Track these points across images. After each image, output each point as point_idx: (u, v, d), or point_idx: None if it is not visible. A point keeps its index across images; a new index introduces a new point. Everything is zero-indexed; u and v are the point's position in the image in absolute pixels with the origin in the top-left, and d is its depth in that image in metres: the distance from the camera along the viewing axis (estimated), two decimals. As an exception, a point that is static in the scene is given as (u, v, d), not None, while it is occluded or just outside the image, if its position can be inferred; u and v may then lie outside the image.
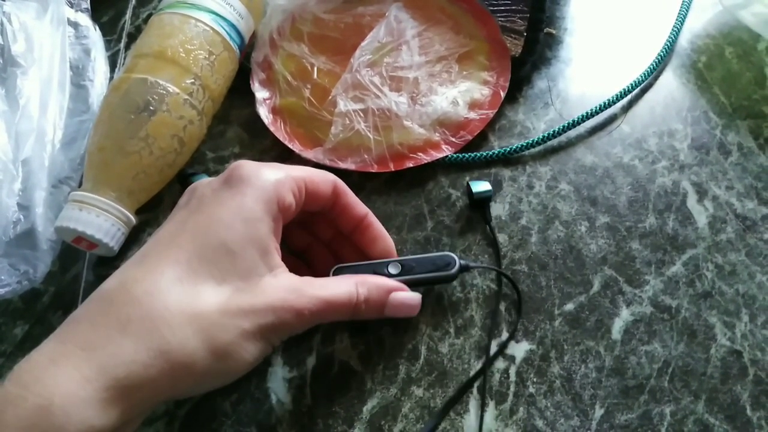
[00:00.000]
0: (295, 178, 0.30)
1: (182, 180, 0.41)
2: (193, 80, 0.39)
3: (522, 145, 0.40)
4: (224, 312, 0.26)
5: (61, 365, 0.24)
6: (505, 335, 0.34)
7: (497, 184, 0.39)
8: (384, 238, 0.34)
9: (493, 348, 0.34)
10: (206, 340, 0.25)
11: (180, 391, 0.26)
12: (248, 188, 0.28)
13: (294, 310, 0.27)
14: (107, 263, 0.39)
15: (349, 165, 0.39)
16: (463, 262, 0.33)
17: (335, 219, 0.33)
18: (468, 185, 0.37)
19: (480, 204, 0.37)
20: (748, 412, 0.31)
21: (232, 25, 0.42)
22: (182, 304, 0.25)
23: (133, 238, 0.39)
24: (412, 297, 0.32)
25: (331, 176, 0.32)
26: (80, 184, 0.39)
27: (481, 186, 0.37)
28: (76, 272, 0.39)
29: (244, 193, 0.28)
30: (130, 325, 0.24)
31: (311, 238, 0.35)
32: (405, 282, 0.32)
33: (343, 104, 0.40)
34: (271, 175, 0.29)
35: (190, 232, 0.27)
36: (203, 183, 0.29)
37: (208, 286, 0.26)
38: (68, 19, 0.45)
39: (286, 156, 0.41)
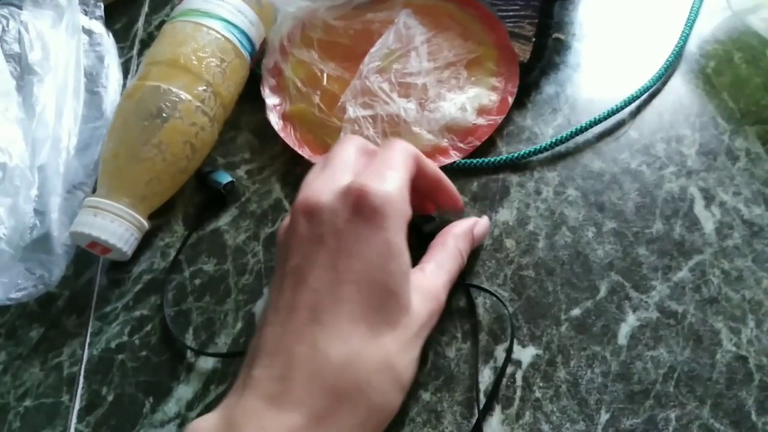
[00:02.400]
0: (407, 184, 0.30)
1: (200, 178, 0.41)
2: (205, 87, 0.39)
3: (530, 151, 0.40)
4: (406, 352, 0.28)
5: None
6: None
7: (505, 190, 0.39)
8: (455, 192, 0.36)
9: (500, 353, 0.34)
10: (400, 386, 0.28)
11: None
12: (386, 221, 0.27)
13: (438, 313, 0.30)
14: (120, 267, 0.40)
15: (357, 171, 0.40)
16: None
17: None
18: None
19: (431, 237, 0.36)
20: (753, 417, 0.31)
21: (243, 33, 0.43)
22: (377, 361, 0.26)
23: (146, 243, 0.40)
24: (485, 221, 0.36)
25: (411, 149, 0.32)
26: (94, 190, 0.40)
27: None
28: (90, 276, 0.40)
29: (385, 228, 0.27)
30: (344, 397, 0.26)
31: None
32: None
33: (353, 110, 0.41)
34: (398, 194, 0.28)
35: (350, 281, 0.27)
36: (327, 210, 0.28)
37: (387, 336, 0.27)
38: (82, 27, 0.46)
39: (296, 162, 0.41)
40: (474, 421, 0.32)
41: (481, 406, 0.32)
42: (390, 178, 0.29)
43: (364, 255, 0.27)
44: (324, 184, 0.29)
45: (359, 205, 0.27)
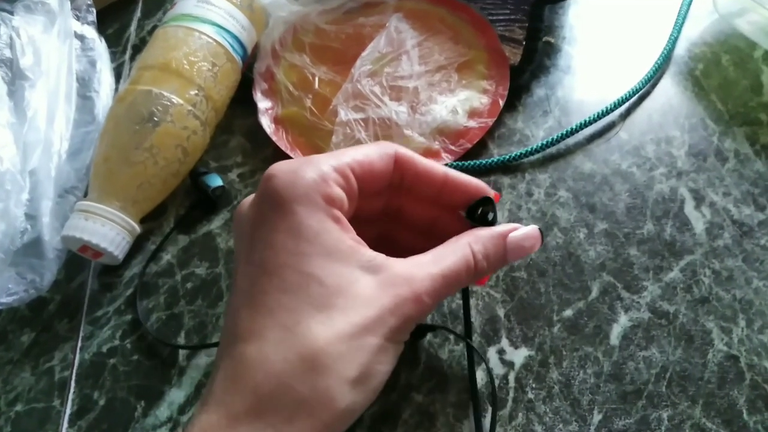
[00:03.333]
0: (338, 168, 0.26)
1: (194, 178, 0.41)
2: (196, 91, 0.40)
3: (521, 153, 0.40)
4: (342, 338, 0.24)
5: None
6: (504, 341, 0.34)
7: (497, 192, 0.40)
8: (472, 183, 0.30)
9: (493, 355, 0.34)
10: (338, 376, 0.24)
11: None
12: (291, 203, 0.25)
13: (412, 302, 0.25)
14: (112, 271, 0.40)
15: (350, 173, 0.40)
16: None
17: (410, 190, 0.30)
18: None
19: None
20: (745, 416, 0.31)
21: (235, 37, 0.43)
22: (297, 350, 0.24)
23: (138, 247, 0.40)
24: (531, 230, 0.29)
25: (391, 147, 0.28)
26: (86, 194, 0.40)
27: None
28: (82, 280, 0.40)
29: (291, 211, 0.25)
30: (264, 393, 0.23)
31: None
32: None
33: (344, 114, 0.41)
34: (308, 174, 0.26)
35: (266, 272, 0.25)
36: (246, 204, 0.27)
37: (313, 321, 0.24)
38: (75, 32, 0.46)
39: (288, 165, 0.42)
40: (467, 422, 0.32)
41: (481, 409, 0.32)
42: (313, 160, 0.26)
43: (273, 242, 0.25)
44: None
45: (265, 192, 0.26)
